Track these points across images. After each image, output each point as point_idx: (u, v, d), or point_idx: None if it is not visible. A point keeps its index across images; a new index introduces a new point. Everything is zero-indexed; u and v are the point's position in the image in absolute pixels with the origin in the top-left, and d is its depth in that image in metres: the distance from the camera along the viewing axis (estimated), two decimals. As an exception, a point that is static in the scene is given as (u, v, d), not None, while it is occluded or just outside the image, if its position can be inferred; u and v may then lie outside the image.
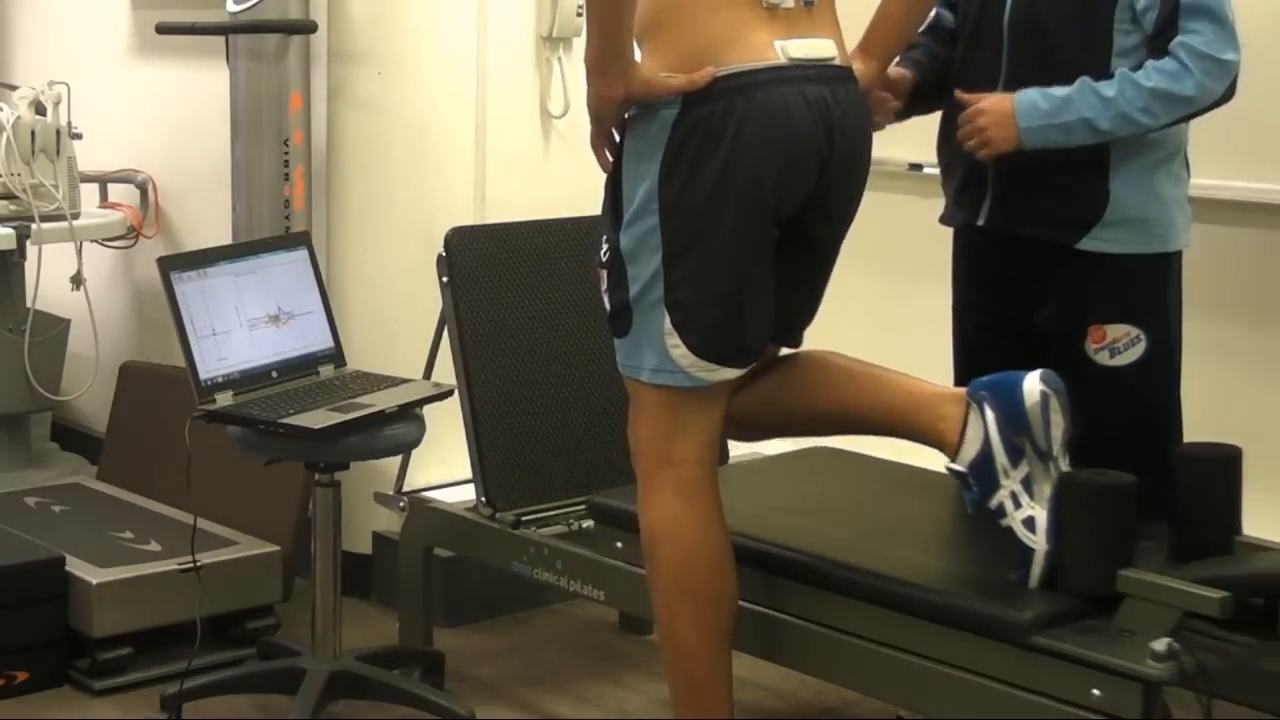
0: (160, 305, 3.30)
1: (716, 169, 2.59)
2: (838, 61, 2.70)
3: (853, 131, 2.69)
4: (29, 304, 4.43)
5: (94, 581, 3.48)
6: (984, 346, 3.00)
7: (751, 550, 2.86)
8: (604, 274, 2.72)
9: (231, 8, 3.93)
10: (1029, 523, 2.63)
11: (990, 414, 2.65)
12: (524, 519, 3.37)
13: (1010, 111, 2.84)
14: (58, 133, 4.35)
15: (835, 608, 2.79)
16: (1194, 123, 2.95)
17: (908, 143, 3.58)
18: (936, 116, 3.08)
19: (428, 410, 3.34)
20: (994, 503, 2.65)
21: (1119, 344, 2.91)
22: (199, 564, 3.35)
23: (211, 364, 3.21)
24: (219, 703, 3.37)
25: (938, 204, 3.13)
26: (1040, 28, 2.90)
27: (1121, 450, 2.77)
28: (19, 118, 4.29)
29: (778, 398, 2.83)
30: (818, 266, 2.80)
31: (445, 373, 3.50)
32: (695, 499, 2.72)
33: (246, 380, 3.26)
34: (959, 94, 2.93)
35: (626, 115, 2.66)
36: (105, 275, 4.75)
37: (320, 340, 3.43)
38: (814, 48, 2.66)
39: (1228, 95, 2.81)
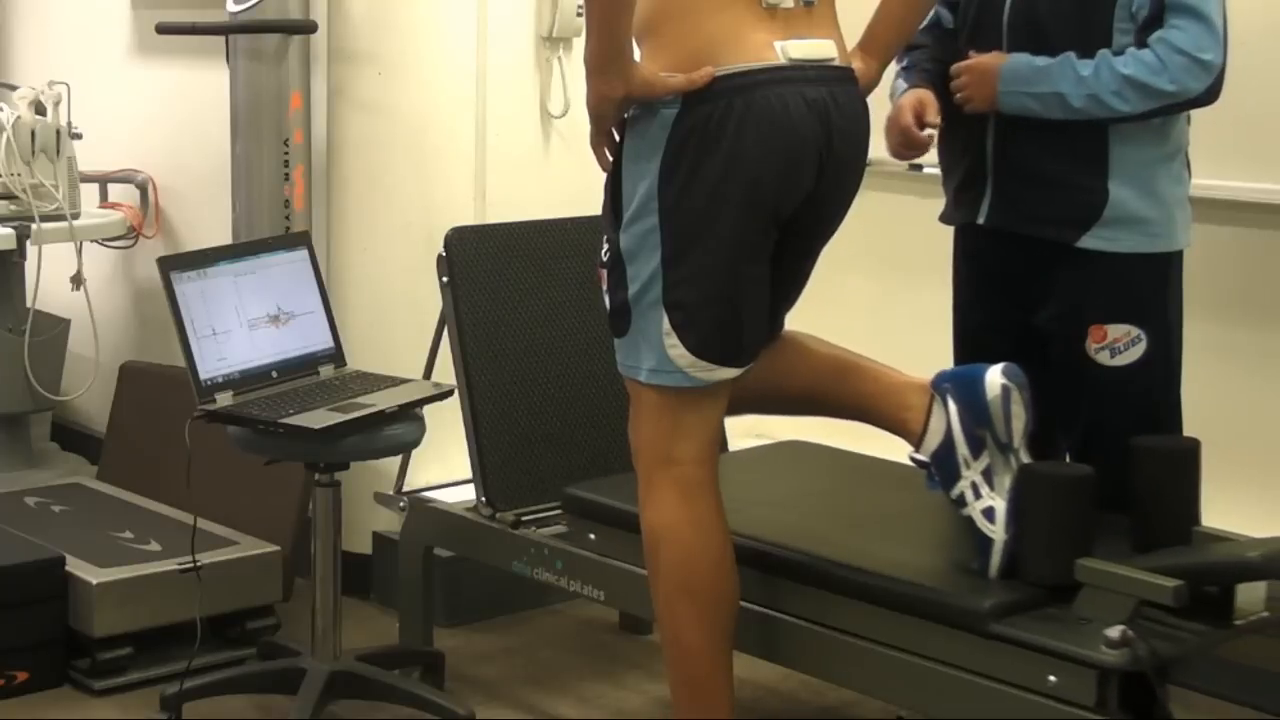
0: (160, 305, 3.30)
1: (716, 169, 2.59)
2: (837, 62, 2.70)
3: (852, 133, 2.69)
4: (29, 304, 4.43)
5: (94, 581, 3.48)
6: (984, 345, 3.00)
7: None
8: (604, 274, 2.72)
9: (231, 8, 3.93)
10: (988, 513, 2.68)
11: (953, 406, 2.71)
12: (524, 519, 3.37)
13: (995, 72, 2.88)
14: (58, 133, 4.34)
15: (796, 596, 2.82)
16: (1194, 123, 2.96)
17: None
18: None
19: (428, 410, 3.34)
20: (955, 492, 2.72)
21: (1119, 344, 2.91)
22: (199, 564, 3.34)
23: (211, 364, 3.21)
24: (219, 703, 3.37)
25: (937, 204, 3.13)
26: (1039, 27, 2.90)
27: (1122, 450, 2.78)
28: (19, 118, 4.29)
29: (750, 378, 2.84)
30: (805, 261, 2.81)
31: (445, 373, 3.50)
32: (696, 498, 2.72)
33: (246, 380, 3.26)
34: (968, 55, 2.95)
35: (626, 115, 2.66)
36: (105, 275, 4.75)
37: (320, 340, 3.43)
38: (814, 48, 2.66)
39: (1209, 95, 2.81)
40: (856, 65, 2.76)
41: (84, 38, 4.89)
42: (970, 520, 2.70)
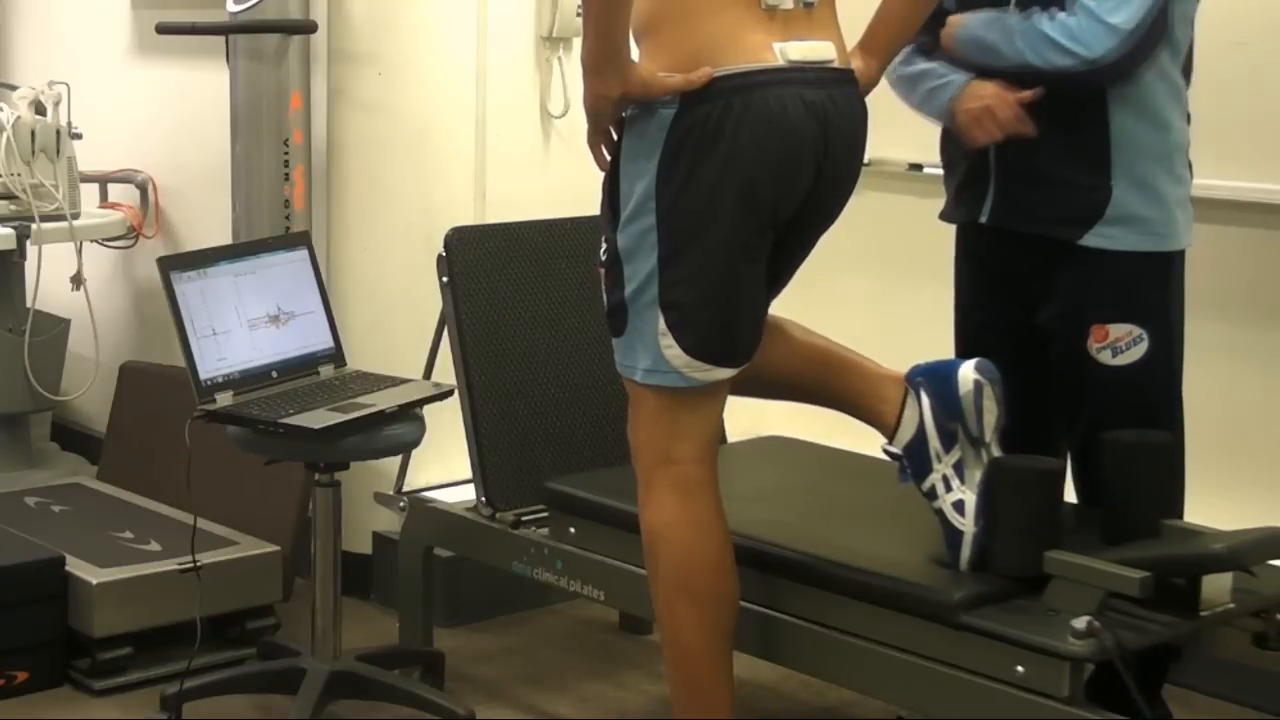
0: (160, 305, 3.30)
1: (714, 170, 2.58)
2: (837, 63, 2.69)
3: (849, 135, 2.70)
4: (29, 304, 4.43)
5: (94, 581, 3.48)
6: (986, 344, 3.00)
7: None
8: (603, 274, 2.72)
9: (231, 8, 3.93)
10: (959, 506, 2.72)
11: (926, 400, 2.75)
12: (524, 519, 3.36)
13: (954, 21, 2.90)
14: (58, 133, 4.34)
15: (774, 589, 2.84)
16: (1197, 122, 2.95)
17: (908, 143, 3.59)
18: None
19: (428, 410, 3.34)
20: (926, 485, 2.75)
21: (1121, 343, 2.91)
22: (199, 564, 3.34)
23: (211, 364, 3.21)
24: (219, 703, 3.37)
25: (937, 204, 3.12)
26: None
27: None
28: (19, 118, 4.29)
29: None
30: (797, 254, 2.81)
31: (445, 373, 3.50)
32: (695, 498, 2.72)
33: (246, 380, 3.25)
34: None
35: (625, 114, 2.66)
36: (105, 275, 4.75)
37: (320, 340, 3.43)
38: (813, 50, 2.65)
39: (1122, 65, 2.78)
40: (856, 65, 2.76)
41: (84, 38, 4.89)
42: (941, 513, 2.73)
